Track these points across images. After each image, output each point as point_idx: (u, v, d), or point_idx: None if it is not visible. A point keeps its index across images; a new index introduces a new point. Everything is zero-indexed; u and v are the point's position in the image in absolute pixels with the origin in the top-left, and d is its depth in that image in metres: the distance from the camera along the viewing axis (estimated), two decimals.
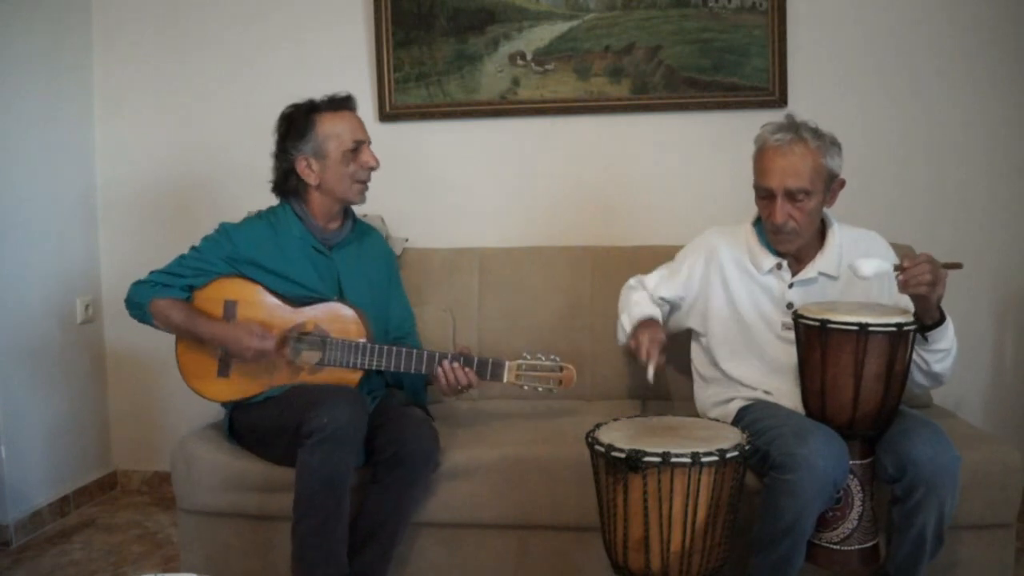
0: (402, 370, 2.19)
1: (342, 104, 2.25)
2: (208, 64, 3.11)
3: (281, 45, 3.06)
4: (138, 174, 3.17)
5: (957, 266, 1.87)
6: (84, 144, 3.15)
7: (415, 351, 2.20)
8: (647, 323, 2.14)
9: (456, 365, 2.18)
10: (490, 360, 2.22)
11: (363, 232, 2.42)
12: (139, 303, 2.21)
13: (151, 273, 2.25)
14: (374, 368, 2.20)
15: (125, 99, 3.16)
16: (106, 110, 3.18)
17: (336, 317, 2.21)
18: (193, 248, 2.27)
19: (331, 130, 2.21)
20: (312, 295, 2.24)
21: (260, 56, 3.08)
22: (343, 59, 3.02)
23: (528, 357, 2.22)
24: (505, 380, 2.21)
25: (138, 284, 2.24)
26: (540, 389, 2.22)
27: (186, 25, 3.11)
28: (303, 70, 3.04)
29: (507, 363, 2.22)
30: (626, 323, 2.22)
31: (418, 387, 2.35)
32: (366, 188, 2.29)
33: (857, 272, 1.89)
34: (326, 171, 2.22)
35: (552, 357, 2.23)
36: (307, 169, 2.22)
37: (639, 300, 2.25)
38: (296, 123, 2.22)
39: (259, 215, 2.33)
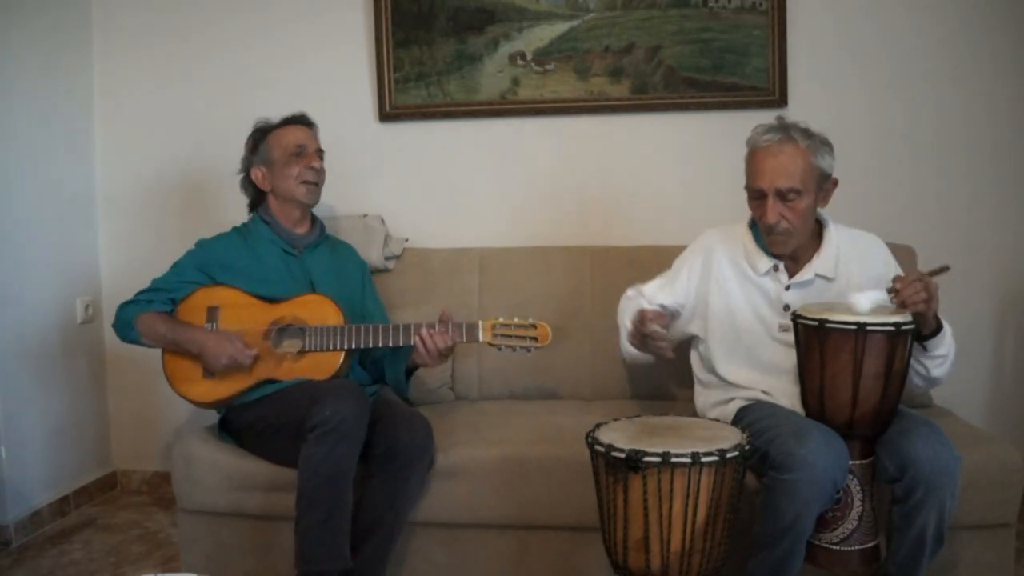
0: (380, 345, 2.26)
1: (292, 120, 2.47)
2: (207, 63, 3.11)
3: (281, 45, 3.06)
4: (138, 174, 3.17)
5: (944, 270, 1.88)
6: (84, 144, 3.15)
7: (391, 326, 2.27)
8: (642, 311, 2.09)
9: (431, 330, 2.23)
10: (464, 323, 2.27)
11: (335, 242, 2.57)
12: (126, 319, 2.31)
13: (136, 295, 2.36)
14: (354, 347, 2.25)
15: (125, 99, 3.16)
16: (106, 110, 3.18)
17: (312, 306, 2.30)
18: (173, 265, 2.39)
19: (277, 140, 2.43)
20: (287, 295, 2.32)
21: (260, 56, 3.07)
22: (343, 59, 3.02)
23: (502, 318, 2.27)
24: (481, 339, 2.25)
25: (123, 306, 2.34)
26: (516, 349, 2.26)
27: (186, 25, 3.11)
28: (303, 70, 3.04)
29: (480, 322, 2.26)
30: (626, 329, 2.17)
31: (399, 376, 2.37)
32: (316, 188, 2.44)
33: (854, 308, 1.89)
34: (274, 176, 2.42)
35: (527, 319, 2.27)
36: (261, 178, 2.44)
37: (637, 307, 2.20)
38: (253, 140, 2.47)
39: (233, 229, 2.49)
